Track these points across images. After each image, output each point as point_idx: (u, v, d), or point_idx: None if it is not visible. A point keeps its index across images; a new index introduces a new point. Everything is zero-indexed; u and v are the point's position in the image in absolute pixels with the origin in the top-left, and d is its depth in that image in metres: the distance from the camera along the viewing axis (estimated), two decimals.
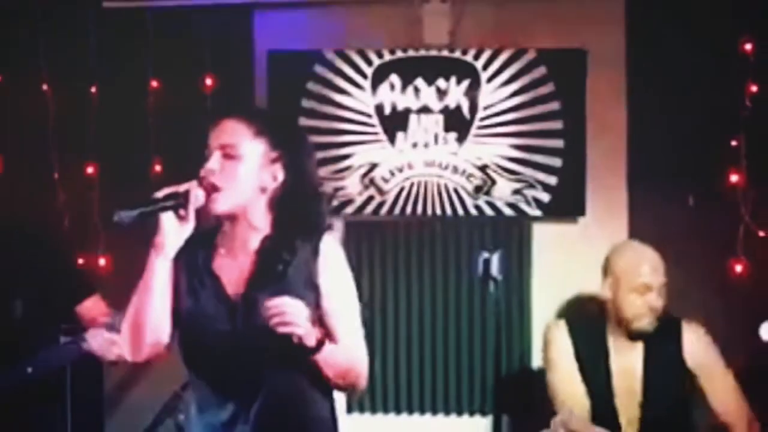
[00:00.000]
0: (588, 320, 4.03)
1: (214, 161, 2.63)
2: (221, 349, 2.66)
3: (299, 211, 2.69)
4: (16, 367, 3.35)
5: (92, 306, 3.58)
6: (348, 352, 2.72)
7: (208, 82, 4.63)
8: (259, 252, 2.69)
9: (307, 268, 2.68)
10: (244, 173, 2.65)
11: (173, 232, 2.60)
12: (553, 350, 3.98)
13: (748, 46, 4.32)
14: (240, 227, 2.70)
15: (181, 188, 2.59)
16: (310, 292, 2.68)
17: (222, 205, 2.64)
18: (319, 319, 2.69)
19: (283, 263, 2.66)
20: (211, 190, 2.61)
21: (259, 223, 2.70)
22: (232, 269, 2.71)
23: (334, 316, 2.72)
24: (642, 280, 3.83)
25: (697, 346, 3.92)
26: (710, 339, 3.95)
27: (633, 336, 3.89)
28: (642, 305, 3.83)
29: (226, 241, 2.72)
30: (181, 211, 2.58)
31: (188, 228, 2.61)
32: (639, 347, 3.93)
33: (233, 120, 2.67)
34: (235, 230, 2.70)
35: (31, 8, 4.69)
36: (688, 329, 3.93)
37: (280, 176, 2.68)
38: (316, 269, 2.69)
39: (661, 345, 3.90)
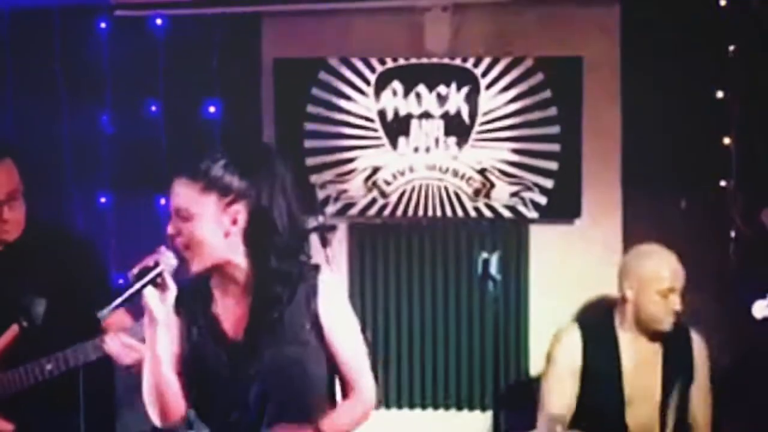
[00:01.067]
0: (599, 322, 4.06)
1: (172, 226, 2.63)
2: (223, 390, 2.69)
3: (274, 241, 2.65)
4: (36, 365, 3.35)
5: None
6: (356, 403, 2.78)
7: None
8: (253, 295, 2.68)
9: (307, 307, 2.68)
10: (202, 230, 2.62)
11: (158, 302, 2.59)
12: (558, 353, 4.03)
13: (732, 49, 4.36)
14: (228, 270, 2.69)
15: (151, 260, 2.58)
16: (312, 331, 2.69)
17: (196, 266, 2.64)
18: (327, 357, 2.73)
19: (279, 308, 2.66)
20: (182, 248, 2.62)
21: (243, 263, 2.68)
22: (232, 311, 2.72)
23: (340, 353, 2.74)
24: (667, 284, 3.87)
25: (699, 354, 4.02)
26: (707, 352, 4.03)
27: (651, 336, 3.93)
28: (665, 307, 3.88)
29: (220, 284, 2.72)
30: (158, 280, 2.58)
31: (171, 292, 2.60)
32: (655, 349, 3.97)
33: (180, 182, 2.64)
34: (225, 274, 2.70)
35: (44, 18, 4.68)
36: (695, 336, 4.02)
37: (242, 217, 2.64)
38: (316, 308, 2.69)
39: (678, 350, 3.98)
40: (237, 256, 2.67)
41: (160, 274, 2.56)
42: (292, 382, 2.67)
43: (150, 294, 2.58)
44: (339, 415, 2.76)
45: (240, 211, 2.63)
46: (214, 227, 2.62)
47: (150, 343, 2.64)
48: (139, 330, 3.22)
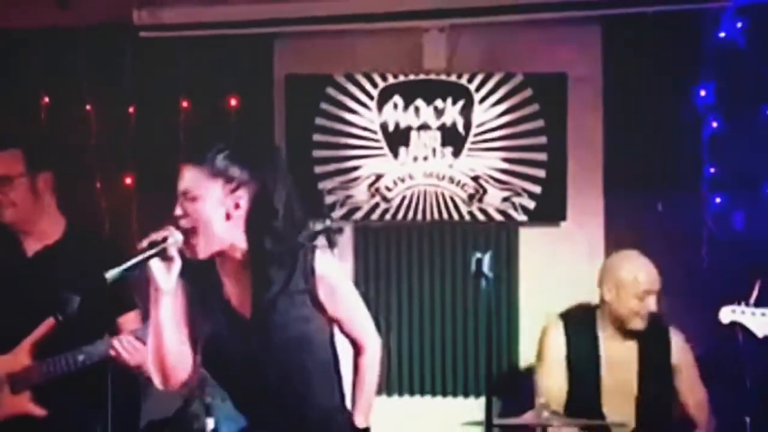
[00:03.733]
0: (582, 320, 4.09)
1: (179, 207, 2.64)
2: (239, 365, 2.71)
3: (272, 226, 2.66)
4: (69, 356, 3.36)
5: (131, 320, 3.57)
6: (369, 355, 2.81)
7: (233, 102, 4.64)
8: (252, 277, 2.70)
9: (305, 285, 2.71)
10: (206, 211, 2.62)
11: (163, 272, 2.59)
12: (546, 347, 4.07)
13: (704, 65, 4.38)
14: (230, 254, 2.70)
15: (159, 235, 2.58)
16: (313, 307, 2.73)
17: (203, 252, 2.64)
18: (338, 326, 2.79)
19: (273, 289, 2.69)
20: (187, 232, 2.61)
21: (244, 246, 2.68)
22: (239, 291, 2.73)
23: (336, 314, 2.77)
24: (643, 288, 3.91)
25: (680, 350, 4.04)
26: (688, 345, 4.05)
27: (627, 335, 3.97)
28: (640, 309, 3.91)
29: (226, 268, 2.73)
30: (165, 254, 2.58)
31: (176, 265, 2.60)
32: (632, 346, 4.00)
33: (188, 167, 2.66)
34: (228, 258, 2.71)
35: (76, 39, 4.68)
36: (674, 335, 4.04)
37: (243, 202, 2.64)
38: (315, 286, 2.71)
39: (655, 346, 4.02)
40: (239, 240, 2.67)
41: (165, 249, 2.56)
42: (299, 357, 2.71)
43: (156, 266, 2.58)
44: (363, 377, 2.81)
45: (242, 196, 2.64)
46: (217, 208, 2.63)
47: (154, 312, 2.63)
48: (145, 333, 3.20)
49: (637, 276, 3.93)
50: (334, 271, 2.78)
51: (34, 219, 3.57)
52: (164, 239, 2.57)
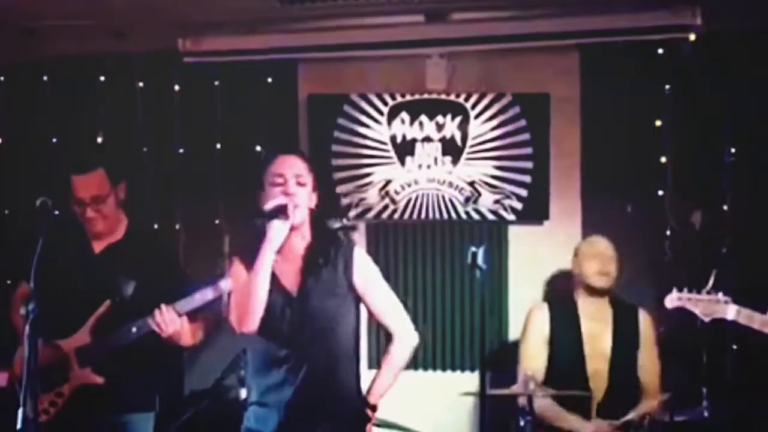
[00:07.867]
0: (562, 297, 4.18)
1: (293, 186, 2.86)
2: (280, 330, 2.85)
3: (325, 222, 2.92)
4: (124, 329, 3.37)
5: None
6: (399, 345, 2.97)
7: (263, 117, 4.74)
8: (306, 257, 2.90)
9: (344, 272, 2.90)
10: (306, 196, 2.88)
11: (279, 230, 2.80)
12: (530, 328, 4.16)
13: (668, 86, 4.44)
14: (295, 237, 2.90)
15: (282, 201, 2.81)
16: (349, 288, 2.90)
17: (297, 218, 2.86)
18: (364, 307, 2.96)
19: (323, 263, 2.88)
20: (292, 206, 2.84)
21: (306, 234, 2.90)
22: (287, 269, 2.90)
23: (375, 308, 2.97)
24: (600, 251, 4.09)
25: (646, 328, 4.15)
26: (652, 324, 4.12)
27: (596, 293, 4.08)
28: (600, 267, 4.07)
29: (282, 248, 2.88)
30: (284, 215, 2.80)
31: (288, 225, 2.81)
32: (608, 321, 4.10)
33: (299, 156, 2.93)
34: (290, 239, 2.89)
35: (128, 64, 4.77)
36: (642, 315, 4.15)
37: (314, 199, 2.92)
38: (351, 272, 2.91)
39: (625, 324, 4.13)
40: (305, 225, 2.91)
41: (285, 211, 2.79)
42: (329, 326, 2.88)
43: (276, 223, 2.79)
44: (391, 362, 2.97)
45: (315, 194, 2.92)
46: (309, 197, 2.90)
47: (261, 260, 2.79)
48: (184, 304, 3.25)
49: (595, 245, 4.13)
50: (369, 265, 2.98)
51: (115, 225, 3.61)
52: (286, 205, 2.81)
